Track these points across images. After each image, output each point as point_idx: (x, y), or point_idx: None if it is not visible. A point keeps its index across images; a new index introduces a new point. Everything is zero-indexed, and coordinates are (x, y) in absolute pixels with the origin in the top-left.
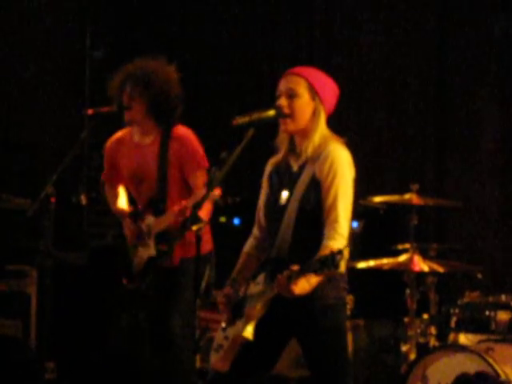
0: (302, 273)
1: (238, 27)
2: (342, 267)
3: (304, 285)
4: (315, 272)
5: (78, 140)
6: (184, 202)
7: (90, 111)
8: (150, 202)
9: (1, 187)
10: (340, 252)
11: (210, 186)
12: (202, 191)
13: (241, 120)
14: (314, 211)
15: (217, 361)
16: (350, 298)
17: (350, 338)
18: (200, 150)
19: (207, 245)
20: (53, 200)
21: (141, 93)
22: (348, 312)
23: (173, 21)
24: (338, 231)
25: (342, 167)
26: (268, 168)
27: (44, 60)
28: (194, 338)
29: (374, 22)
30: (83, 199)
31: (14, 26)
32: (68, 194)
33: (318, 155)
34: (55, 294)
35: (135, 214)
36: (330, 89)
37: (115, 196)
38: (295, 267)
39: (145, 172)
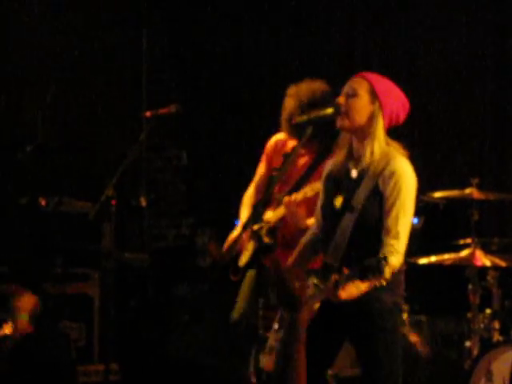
0: (349, 279)
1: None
2: (387, 274)
3: (351, 290)
4: (360, 278)
5: (136, 142)
6: None
7: (147, 113)
8: None
9: (62, 191)
10: (385, 258)
11: (270, 185)
12: None
13: (300, 119)
14: (373, 223)
15: (269, 362)
16: (405, 308)
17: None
18: None
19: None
20: (113, 203)
21: None
22: (404, 320)
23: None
24: (397, 248)
25: (407, 185)
26: (326, 170)
27: (101, 63)
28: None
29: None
30: (143, 201)
31: (69, 30)
32: (128, 197)
33: (382, 166)
34: (117, 295)
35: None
36: (394, 97)
37: None
38: (345, 271)
39: None
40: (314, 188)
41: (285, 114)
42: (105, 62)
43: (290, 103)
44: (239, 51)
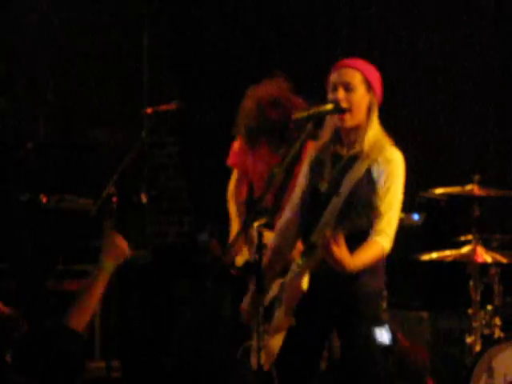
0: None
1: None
2: None
3: (345, 256)
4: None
5: (137, 139)
6: None
7: (148, 110)
8: None
9: (63, 188)
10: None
11: (270, 181)
12: None
13: (299, 114)
14: (360, 205)
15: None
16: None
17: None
18: None
19: None
20: (114, 200)
21: None
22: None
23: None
24: (388, 232)
25: (399, 174)
26: (310, 155)
27: (102, 60)
28: None
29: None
30: (144, 198)
31: (70, 27)
32: (129, 194)
33: (376, 153)
34: (119, 292)
35: None
36: (379, 81)
37: None
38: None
39: None
40: None
41: (243, 116)
42: (106, 59)
43: (248, 105)
44: (242, 49)
